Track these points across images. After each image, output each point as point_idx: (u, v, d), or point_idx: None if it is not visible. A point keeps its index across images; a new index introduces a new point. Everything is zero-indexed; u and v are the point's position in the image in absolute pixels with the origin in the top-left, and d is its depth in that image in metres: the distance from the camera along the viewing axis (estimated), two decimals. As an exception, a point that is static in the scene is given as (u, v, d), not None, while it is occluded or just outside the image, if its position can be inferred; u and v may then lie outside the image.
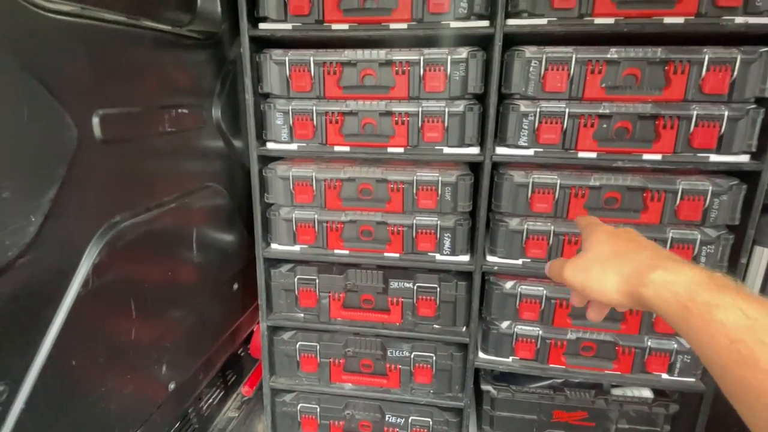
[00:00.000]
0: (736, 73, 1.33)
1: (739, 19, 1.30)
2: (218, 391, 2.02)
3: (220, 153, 1.57)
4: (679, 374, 1.62)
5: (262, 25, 1.52)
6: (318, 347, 1.84)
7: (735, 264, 1.49)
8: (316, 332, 1.84)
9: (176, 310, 1.35)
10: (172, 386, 1.39)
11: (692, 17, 1.33)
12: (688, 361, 1.59)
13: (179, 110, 1.23)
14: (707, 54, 1.34)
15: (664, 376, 1.63)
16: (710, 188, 1.44)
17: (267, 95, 1.60)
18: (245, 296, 1.87)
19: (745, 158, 1.41)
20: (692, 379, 1.62)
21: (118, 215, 1.03)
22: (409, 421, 1.85)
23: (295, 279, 1.76)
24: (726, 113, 1.36)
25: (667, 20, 1.34)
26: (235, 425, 1.99)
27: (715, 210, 1.46)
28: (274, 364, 1.90)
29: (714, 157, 1.43)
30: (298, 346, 1.84)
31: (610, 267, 0.65)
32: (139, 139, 1.09)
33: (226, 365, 2.05)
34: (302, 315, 1.82)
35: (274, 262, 1.80)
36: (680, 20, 1.34)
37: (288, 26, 1.51)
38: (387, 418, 1.86)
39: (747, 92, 1.34)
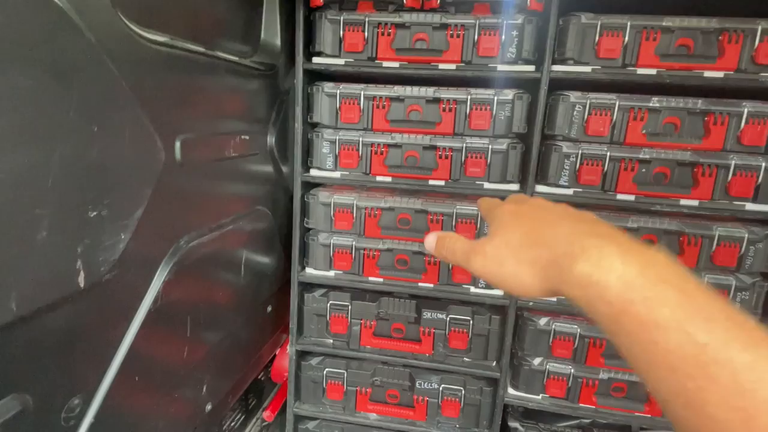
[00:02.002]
0: (775, 126, 1.39)
1: (778, 77, 1.36)
2: (240, 415, 2.00)
3: (270, 178, 1.62)
4: (711, 421, 1.60)
5: (316, 59, 1.59)
6: (345, 375, 1.83)
7: (770, 312, 1.50)
8: (344, 359, 1.84)
9: (220, 331, 1.36)
10: (208, 407, 1.39)
11: (732, 72, 1.39)
12: (722, 408, 1.58)
13: (242, 137, 1.28)
14: (746, 108, 1.40)
15: (696, 422, 1.62)
16: (746, 236, 1.47)
17: (315, 125, 1.66)
18: (276, 319, 1.88)
19: (781, 208, 1.45)
20: (725, 427, 1.61)
21: (186, 236, 1.06)
22: (434, 455, 1.82)
23: (328, 304, 1.78)
24: (763, 164, 1.41)
25: (708, 74, 1.40)
26: (255, 450, 1.96)
27: (750, 257, 1.48)
28: (299, 390, 1.89)
29: (750, 206, 1.46)
30: (325, 372, 1.84)
31: (524, 256, 0.51)
32: (208, 162, 1.14)
33: (248, 389, 2.04)
34: (332, 341, 1.82)
35: (307, 286, 1.82)
36: (720, 74, 1.40)
37: (341, 61, 1.58)
38: (411, 452, 1.84)
39: (785, 145, 1.39)
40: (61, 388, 0.78)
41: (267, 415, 2.09)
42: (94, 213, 0.76)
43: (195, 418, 1.33)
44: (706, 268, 1.52)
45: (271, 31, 1.51)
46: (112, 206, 0.79)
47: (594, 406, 1.67)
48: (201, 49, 1.09)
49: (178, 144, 0.98)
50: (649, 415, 1.64)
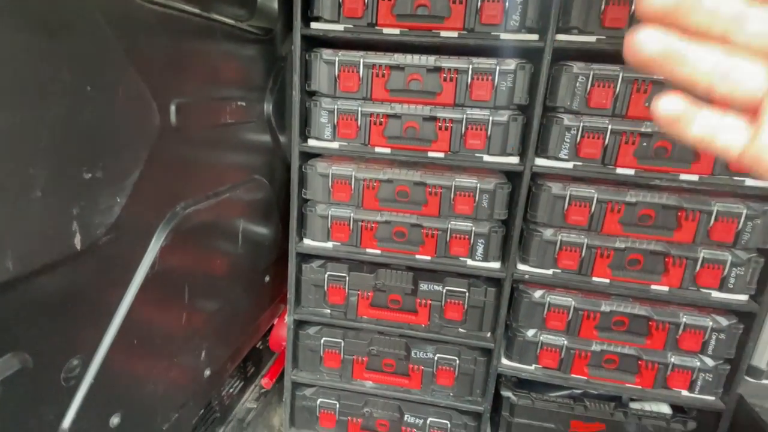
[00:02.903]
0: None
1: None
2: (238, 382, 2.04)
3: (267, 147, 1.60)
4: (699, 392, 1.64)
5: (314, 25, 1.55)
6: (342, 344, 1.86)
7: (764, 287, 1.52)
8: (341, 329, 1.87)
9: (218, 298, 1.38)
10: (207, 373, 1.42)
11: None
12: (710, 379, 1.62)
13: (238, 103, 1.26)
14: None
15: (684, 392, 1.66)
16: (744, 211, 1.47)
17: (313, 93, 1.63)
18: (274, 289, 1.90)
19: (781, 184, 1.45)
20: (712, 398, 1.65)
21: (183, 202, 1.05)
22: (428, 422, 1.87)
23: (326, 275, 1.78)
24: (766, 139, 1.40)
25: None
26: (254, 416, 2.00)
27: (747, 233, 1.49)
28: (297, 358, 1.92)
29: (750, 181, 1.46)
30: (322, 341, 1.87)
31: None
32: (204, 128, 1.12)
33: (246, 357, 2.07)
34: (329, 311, 1.84)
35: (305, 257, 1.82)
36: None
37: (340, 27, 1.54)
38: (405, 418, 1.88)
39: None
40: (61, 349, 0.79)
41: (265, 382, 2.13)
42: (89, 175, 0.75)
43: (194, 383, 1.36)
44: (703, 243, 1.53)
45: (269, -5, 1.47)
46: (107, 168, 0.78)
47: (586, 377, 1.70)
48: (196, 11, 1.06)
49: (173, 108, 0.96)
50: (640, 387, 1.68)
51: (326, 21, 1.53)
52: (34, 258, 0.67)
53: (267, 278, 1.78)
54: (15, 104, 0.60)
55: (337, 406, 1.92)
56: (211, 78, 1.15)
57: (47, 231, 0.69)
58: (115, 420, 0.97)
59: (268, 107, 1.54)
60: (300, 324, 1.89)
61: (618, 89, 1.45)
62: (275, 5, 1.50)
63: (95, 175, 0.76)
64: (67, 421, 0.83)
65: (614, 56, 1.46)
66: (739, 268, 1.52)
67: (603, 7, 1.39)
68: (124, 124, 0.82)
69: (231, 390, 1.98)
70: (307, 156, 1.73)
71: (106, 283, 0.86)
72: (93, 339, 0.86)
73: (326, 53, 1.57)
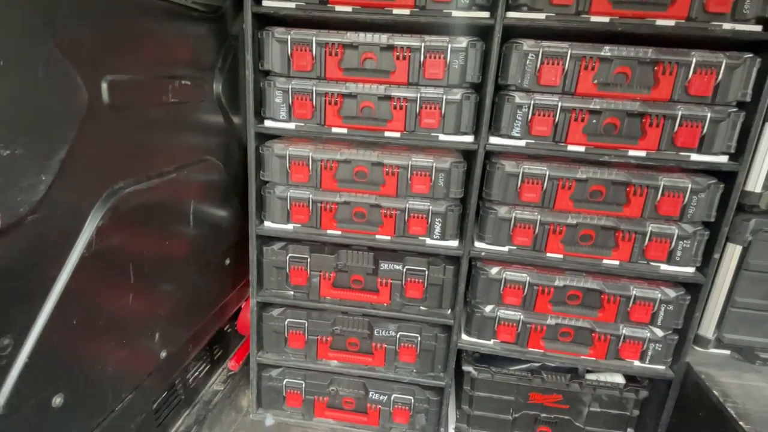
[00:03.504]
0: (720, 77, 1.40)
1: (727, 25, 1.36)
2: (204, 365, 2.04)
3: (219, 128, 1.58)
4: (650, 361, 1.71)
5: (265, 2, 1.53)
6: (306, 324, 1.87)
7: (708, 259, 1.57)
8: (305, 310, 1.88)
9: (171, 280, 1.37)
10: (163, 354, 1.42)
11: (683, 21, 1.39)
12: (659, 349, 1.68)
13: (182, 81, 1.25)
14: (695, 57, 1.40)
15: (636, 363, 1.72)
16: (690, 186, 1.51)
17: (267, 72, 1.61)
18: (236, 272, 1.90)
19: (723, 159, 1.49)
20: (662, 367, 1.71)
21: (122, 181, 1.04)
22: (392, 398, 1.91)
23: (287, 257, 1.79)
24: (709, 115, 1.44)
25: (659, 22, 1.40)
26: (221, 398, 2.02)
27: (693, 207, 1.53)
28: (262, 340, 1.93)
29: (695, 156, 1.50)
30: (286, 322, 1.88)
31: None
32: (144, 107, 1.11)
33: (213, 340, 2.08)
34: (292, 293, 1.85)
35: (266, 239, 1.82)
36: (671, 23, 1.40)
37: (291, 5, 1.52)
38: (370, 395, 1.92)
39: (730, 96, 1.42)
40: (-13, 328, 0.78)
41: (231, 364, 2.14)
42: (7, 152, 0.74)
43: (149, 364, 1.36)
44: (651, 218, 1.57)
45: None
46: (28, 145, 0.77)
47: (542, 350, 1.75)
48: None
49: (104, 85, 0.95)
50: (594, 358, 1.74)
51: (278, -1, 1.52)
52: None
53: (227, 261, 1.78)
54: None
55: (303, 385, 1.95)
56: (151, 56, 1.13)
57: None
58: (57, 400, 0.97)
59: (217, 87, 1.52)
60: (264, 306, 1.90)
61: (567, 66, 1.46)
62: (223, -19, 1.48)
63: (14, 152, 0.75)
64: (1, 398, 0.83)
65: (563, 33, 1.48)
66: (685, 241, 1.57)
67: (551, -16, 1.40)
68: (46, 100, 0.81)
69: (197, 373, 1.98)
70: (264, 137, 1.72)
71: (37, 261, 0.86)
72: (25, 318, 0.86)
73: (278, 32, 1.55)
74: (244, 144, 1.66)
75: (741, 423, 1.35)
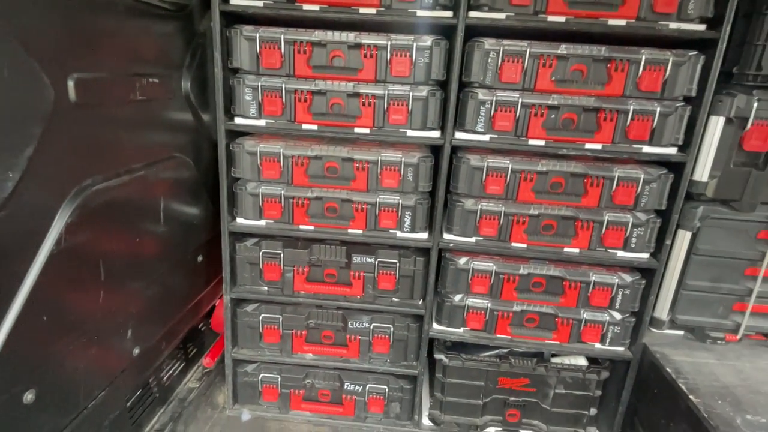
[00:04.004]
0: (668, 73, 1.50)
1: (674, 25, 1.46)
2: (179, 363, 2.05)
3: (188, 125, 1.59)
4: (610, 344, 1.80)
5: (233, 0, 1.54)
6: (281, 319, 1.90)
7: (661, 245, 1.67)
8: (279, 305, 1.90)
9: (142, 277, 1.38)
10: (136, 351, 1.43)
11: (633, 20, 1.47)
12: (618, 331, 1.78)
13: (150, 79, 1.25)
14: (644, 55, 1.49)
15: (597, 345, 1.82)
16: (642, 176, 1.61)
17: (236, 70, 1.63)
18: (209, 269, 1.90)
19: (672, 150, 1.59)
20: (621, 348, 1.81)
21: (90, 179, 1.05)
22: (367, 388, 1.95)
23: (260, 253, 1.81)
24: (658, 109, 1.53)
25: (611, 22, 1.48)
26: (196, 395, 2.03)
27: (645, 196, 1.63)
28: (236, 336, 1.94)
29: (646, 149, 1.59)
30: (261, 318, 1.90)
31: None
32: (111, 105, 1.11)
33: (187, 338, 2.08)
34: (266, 288, 1.87)
35: (239, 236, 1.84)
36: (622, 22, 1.48)
37: (259, 3, 1.54)
38: (346, 386, 1.96)
39: (677, 91, 1.51)
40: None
41: (206, 361, 2.15)
42: (-27, 149, 0.74)
43: (121, 361, 1.37)
44: (607, 207, 1.66)
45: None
46: (-7, 143, 0.78)
47: (509, 336, 1.83)
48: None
49: (71, 83, 0.95)
50: (558, 342, 1.83)
51: (245, -3, 1.53)
52: None
53: (200, 258, 1.79)
54: None
55: (279, 379, 1.97)
56: (117, 53, 1.14)
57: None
58: (29, 396, 0.98)
59: (186, 84, 1.52)
60: (238, 302, 1.91)
61: (526, 64, 1.53)
62: (189, -20, 1.48)
63: (-21, 149, 0.76)
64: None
65: (522, 32, 1.54)
66: (639, 228, 1.66)
67: (510, -15, 1.46)
68: (12, 98, 0.82)
69: (171, 371, 1.98)
70: (234, 134, 1.73)
71: (5, 258, 0.86)
72: (-7, 315, 0.86)
73: (247, 29, 1.56)
74: (214, 141, 1.67)
75: (691, 397, 1.45)
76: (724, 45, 1.44)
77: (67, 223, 0.98)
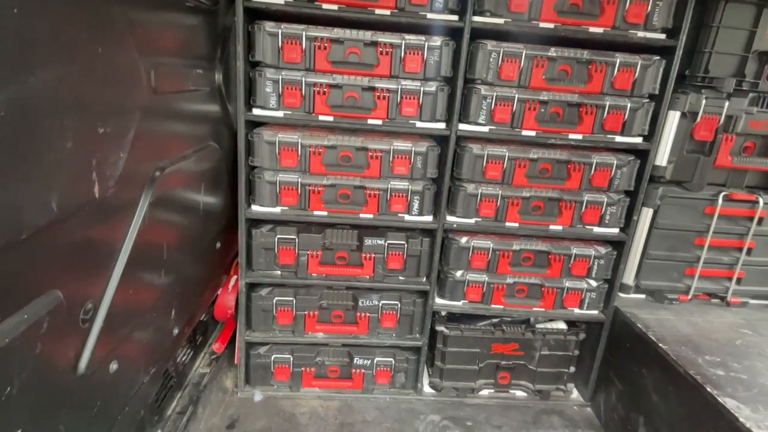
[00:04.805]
0: (637, 74, 1.78)
1: (641, 33, 1.73)
2: (189, 350, 2.09)
3: (218, 115, 1.66)
4: (587, 308, 2.08)
5: (255, -3, 1.63)
6: (294, 301, 2.00)
7: (629, 221, 1.97)
8: (292, 288, 2.01)
9: (184, 259, 1.45)
10: (176, 331, 1.50)
11: (609, 29, 1.73)
12: (594, 297, 2.06)
13: (197, 70, 1.33)
14: (618, 58, 1.76)
15: (576, 310, 2.09)
16: (615, 162, 1.89)
17: (256, 63, 1.71)
18: (224, 255, 1.97)
19: (639, 140, 1.87)
20: (596, 312, 2.10)
21: (162, 162, 1.12)
22: (375, 362, 2.11)
23: (276, 238, 1.91)
24: (629, 105, 1.81)
25: (592, 29, 1.73)
26: (208, 380, 2.08)
27: (618, 179, 1.91)
28: (250, 319, 2.02)
29: (619, 138, 1.87)
30: (275, 300, 1.99)
31: None
32: (175, 93, 1.19)
33: (194, 327, 2.12)
34: (279, 272, 1.97)
35: (254, 222, 1.92)
36: (600, 30, 1.74)
37: (281, 1, 1.64)
38: (355, 361, 2.10)
39: (644, 89, 1.79)
40: (81, 290, 0.86)
41: (217, 347, 2.20)
42: (102, 129, 0.82)
43: (166, 340, 1.43)
44: (586, 189, 1.93)
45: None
46: (113, 124, 0.86)
47: (503, 306, 2.06)
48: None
49: (153, 72, 1.03)
50: (543, 309, 2.08)
51: (268, -6, 1.62)
52: (69, 202, 0.75)
53: (218, 244, 1.85)
54: (47, 63, 0.68)
55: (291, 359, 2.08)
56: (176, 46, 1.22)
57: (76, 179, 0.77)
58: (113, 366, 1.05)
59: (218, 76, 1.60)
60: (251, 287, 2.00)
61: (522, 64, 1.75)
62: (218, -24, 1.56)
63: (106, 130, 0.84)
64: (83, 363, 0.90)
65: (518, 36, 1.76)
66: (612, 207, 1.94)
67: (509, -6, 1.67)
68: (123, 82, 0.89)
69: (184, 358, 2.03)
70: (252, 124, 1.82)
71: (112, 233, 0.94)
72: (101, 285, 0.94)
73: (269, 25, 1.66)
74: (233, 130, 1.75)
75: (660, 344, 1.75)
76: (681, 52, 1.74)
77: (150, 202, 1.06)
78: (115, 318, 1.00)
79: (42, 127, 0.66)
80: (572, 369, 2.20)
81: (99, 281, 0.92)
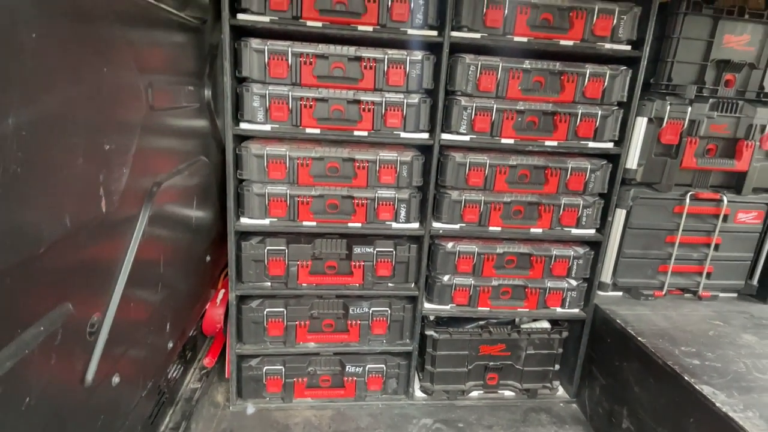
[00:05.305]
0: (606, 83, 1.89)
1: (608, 45, 1.85)
2: (179, 366, 2.07)
3: (207, 130, 1.69)
4: (568, 307, 2.17)
5: (240, 16, 1.67)
6: (285, 312, 2.02)
7: (604, 222, 2.07)
8: (282, 298, 2.03)
9: (178, 273, 1.47)
10: (170, 345, 1.50)
11: (579, 41, 1.84)
12: (575, 296, 2.15)
13: (188, 87, 1.36)
14: (588, 69, 1.87)
15: (559, 309, 2.17)
16: (589, 166, 1.99)
17: (243, 79, 1.75)
18: (213, 269, 1.98)
19: (610, 145, 1.98)
20: (577, 310, 2.19)
21: (159, 176, 1.15)
22: (366, 369, 2.14)
23: (266, 249, 1.93)
24: (599, 112, 1.91)
25: (563, 42, 1.84)
26: (200, 395, 2.07)
27: (592, 182, 2.01)
28: (241, 332, 2.03)
29: (591, 144, 1.97)
30: (265, 312, 2.01)
31: None
32: (168, 110, 1.22)
33: (184, 342, 2.12)
34: (269, 283, 1.99)
35: (243, 235, 1.94)
36: (571, 43, 1.84)
37: (266, 19, 1.69)
38: (347, 369, 2.13)
39: (613, 97, 1.91)
40: (89, 303, 0.88)
41: (207, 361, 2.19)
42: (108, 146, 0.85)
43: (161, 354, 1.44)
44: (564, 193, 2.02)
45: (199, -14, 1.56)
46: (117, 140, 0.89)
47: (489, 308, 2.12)
48: (152, 1, 1.16)
49: (150, 90, 1.06)
50: (527, 309, 2.15)
51: (253, 13, 1.67)
52: (80, 217, 0.78)
53: (208, 258, 1.87)
54: (60, 82, 0.71)
55: (283, 370, 2.09)
56: (168, 63, 1.25)
57: (85, 194, 0.79)
58: (116, 379, 1.06)
59: (207, 92, 1.63)
60: (241, 299, 2.01)
61: (499, 76, 1.84)
62: (206, -4, 1.60)
63: (111, 147, 0.87)
64: (90, 375, 0.92)
65: (495, 49, 1.85)
66: (588, 209, 2.04)
67: (485, 10, 1.76)
68: (125, 99, 0.93)
69: (174, 374, 2.01)
70: (240, 138, 1.85)
71: (115, 248, 0.96)
72: (105, 298, 0.96)
73: (255, 42, 1.70)
74: (222, 145, 1.78)
75: (639, 338, 1.84)
76: (645, 61, 1.86)
77: (149, 216, 1.09)
78: (117, 331, 1.01)
79: (56, 145, 0.69)
80: (557, 367, 2.28)
81: (103, 295, 0.94)
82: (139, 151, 1.00)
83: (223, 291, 2.13)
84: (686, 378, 1.59)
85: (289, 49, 1.72)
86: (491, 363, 2.24)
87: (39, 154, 0.66)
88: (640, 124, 1.98)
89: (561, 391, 2.35)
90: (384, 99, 1.80)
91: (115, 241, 0.94)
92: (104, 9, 0.80)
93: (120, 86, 0.87)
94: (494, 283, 2.10)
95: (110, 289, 0.97)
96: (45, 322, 0.71)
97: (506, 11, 1.77)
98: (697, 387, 1.55)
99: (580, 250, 2.10)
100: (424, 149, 1.98)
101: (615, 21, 1.82)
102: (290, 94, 1.76)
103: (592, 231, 2.09)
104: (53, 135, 0.67)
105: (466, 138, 1.90)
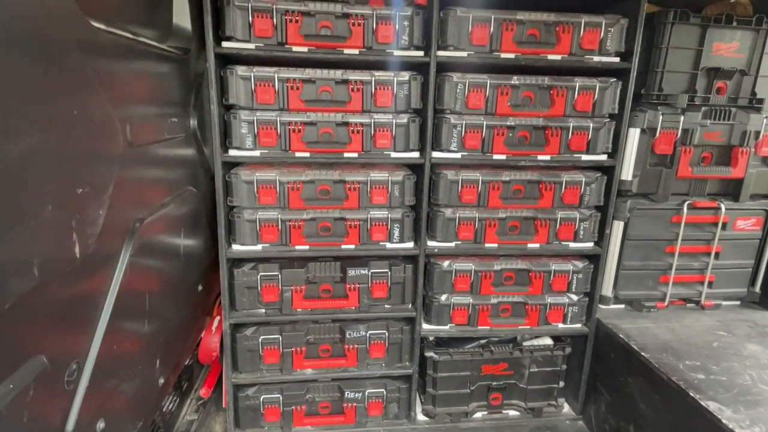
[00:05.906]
0: (596, 96, 1.87)
1: (597, 58, 1.84)
2: (175, 397, 2.03)
3: (194, 160, 1.67)
4: (570, 322, 2.12)
5: (225, 44, 1.67)
6: (280, 339, 1.99)
7: (602, 235, 2.04)
8: (277, 325, 1.99)
9: (167, 307, 1.44)
10: (161, 381, 1.47)
11: (567, 55, 1.83)
12: (576, 311, 2.11)
13: (172, 119, 1.35)
14: (578, 82, 1.86)
15: (560, 325, 2.13)
16: (584, 180, 1.97)
17: (230, 106, 1.74)
18: (206, 298, 1.95)
19: (604, 157, 1.96)
20: (579, 325, 2.14)
21: (141, 213, 1.13)
22: (366, 394, 2.09)
23: (258, 276, 1.90)
24: (591, 125, 1.90)
25: (551, 57, 1.83)
26: (196, 426, 2.02)
27: (588, 195, 1.99)
28: (236, 361, 1.99)
29: (585, 157, 1.95)
30: (260, 339, 1.97)
31: None
32: (150, 144, 1.20)
33: (180, 372, 2.07)
34: (264, 310, 1.96)
35: (234, 262, 1.92)
36: (559, 57, 1.83)
37: (252, 46, 1.68)
38: (346, 395, 2.08)
39: (604, 110, 1.89)
40: (64, 352, 0.85)
41: (203, 392, 2.15)
42: (81, 190, 0.83)
43: (152, 391, 1.40)
44: (559, 207, 2.00)
45: (182, 16, 1.55)
46: (92, 183, 0.86)
47: (489, 326, 2.08)
48: (130, 36, 1.15)
49: (128, 126, 1.04)
50: (528, 327, 2.11)
51: (238, 40, 1.67)
52: (50, 266, 0.75)
53: (200, 287, 1.84)
54: (27, 129, 0.69)
55: (281, 398, 2.04)
56: (150, 97, 1.24)
57: (56, 242, 0.77)
58: (101, 425, 1.02)
59: (193, 122, 1.62)
60: (236, 327, 1.97)
61: (488, 93, 1.83)
62: (189, 26, 1.59)
63: (84, 190, 0.84)
64: (69, 425, 0.89)
65: (482, 66, 1.84)
66: (585, 222, 2.01)
67: (470, 29, 1.75)
68: (100, 140, 0.91)
69: (170, 406, 1.97)
70: (229, 165, 1.83)
71: (93, 290, 0.93)
72: (85, 343, 0.93)
73: (241, 69, 1.70)
74: (211, 173, 1.76)
75: (642, 353, 1.79)
76: (635, 73, 1.85)
77: (131, 254, 1.06)
78: (100, 375, 0.98)
79: (20, 194, 0.67)
80: (561, 384, 2.23)
81: (83, 340, 0.91)
82: (119, 189, 0.98)
83: (218, 318, 2.09)
84: (691, 394, 1.55)
85: (276, 75, 1.72)
86: (494, 383, 2.19)
87: (2, 203, 0.64)
88: (633, 135, 1.96)
89: (566, 408, 2.29)
90: (372, 120, 1.79)
91: (92, 283, 0.91)
92: (73, 44, 0.79)
93: (93, 125, 0.85)
94: (493, 300, 2.06)
95: (90, 332, 0.94)
96: (14, 379, 0.68)
97: (492, 29, 1.77)
98: (702, 403, 1.50)
99: (580, 264, 2.07)
100: (416, 168, 1.96)
101: (602, 33, 1.81)
102: (278, 119, 1.75)
103: (591, 244, 2.06)
104: (16, 183, 0.65)
105: (458, 155, 1.89)
